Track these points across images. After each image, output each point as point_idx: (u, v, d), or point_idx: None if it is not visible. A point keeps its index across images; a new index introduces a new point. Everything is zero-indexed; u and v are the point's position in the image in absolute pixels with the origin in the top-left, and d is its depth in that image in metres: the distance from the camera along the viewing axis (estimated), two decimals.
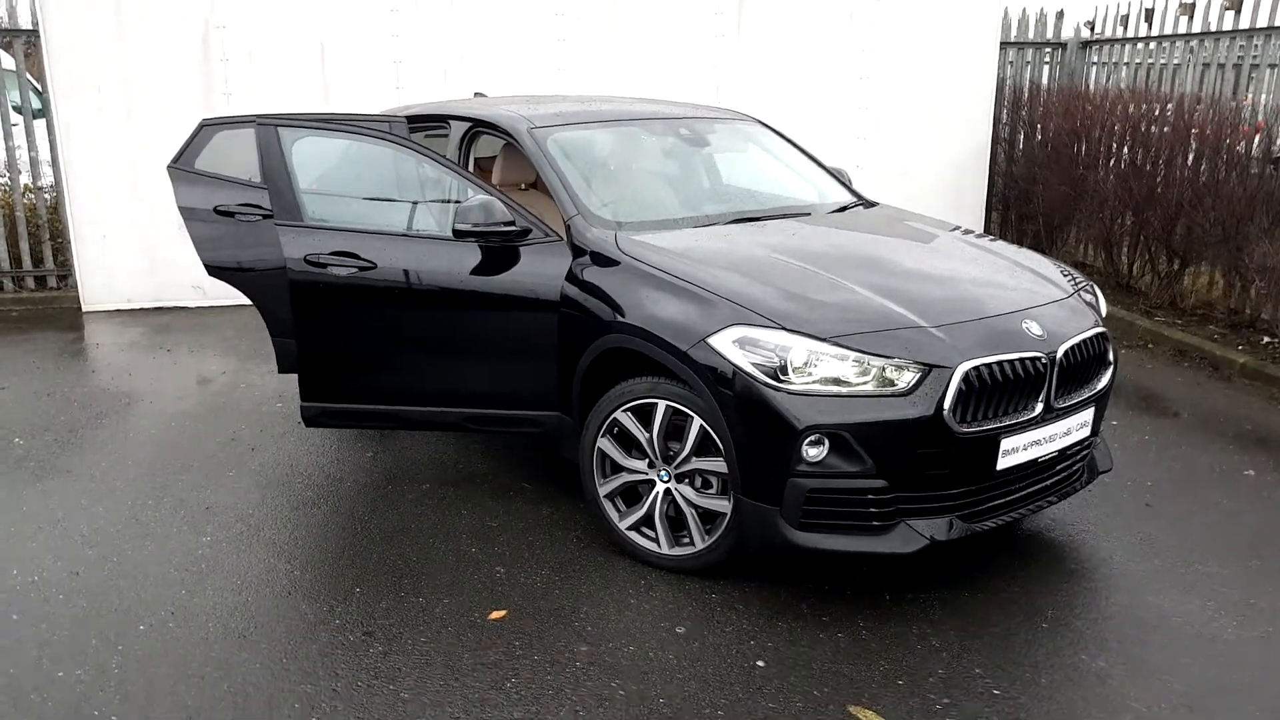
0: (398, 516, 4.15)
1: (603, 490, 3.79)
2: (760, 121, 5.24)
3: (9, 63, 8.10)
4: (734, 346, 3.33)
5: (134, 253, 7.67)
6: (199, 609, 3.46)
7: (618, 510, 3.78)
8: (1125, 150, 7.60)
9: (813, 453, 3.23)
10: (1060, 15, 9.25)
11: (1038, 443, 3.46)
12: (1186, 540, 3.96)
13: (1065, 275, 4.10)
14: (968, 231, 4.53)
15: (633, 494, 3.77)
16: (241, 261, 4.46)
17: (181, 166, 4.61)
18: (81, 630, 3.33)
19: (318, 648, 3.23)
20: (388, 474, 4.58)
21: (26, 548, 3.90)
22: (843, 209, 4.69)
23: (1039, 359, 3.42)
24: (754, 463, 3.33)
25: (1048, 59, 9.16)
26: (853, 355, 3.26)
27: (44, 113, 8.22)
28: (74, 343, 6.87)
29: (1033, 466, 3.50)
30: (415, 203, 4.23)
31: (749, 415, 3.29)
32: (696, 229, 4.12)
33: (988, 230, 9.30)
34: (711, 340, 3.38)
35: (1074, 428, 3.60)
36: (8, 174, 7.90)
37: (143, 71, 7.42)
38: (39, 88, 8.03)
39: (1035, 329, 3.49)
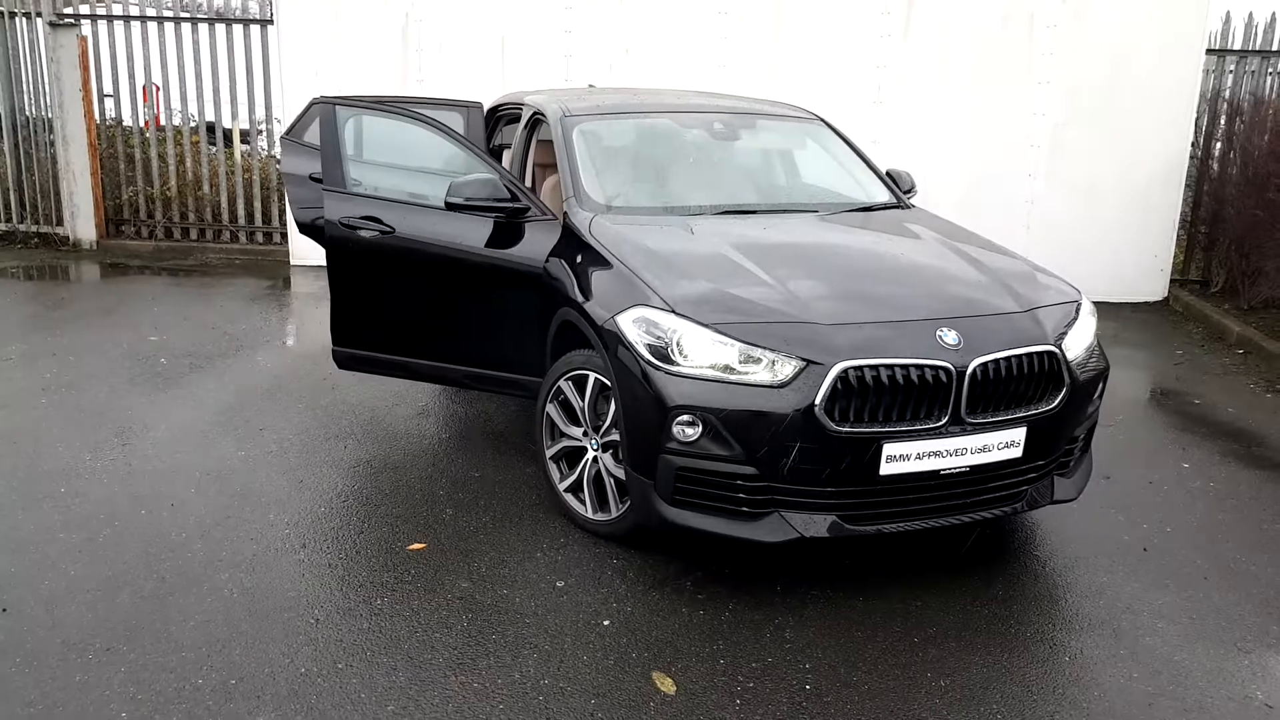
0: (401, 456, 4.65)
1: (549, 452, 4.07)
2: (824, 121, 5.24)
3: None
4: (634, 326, 3.51)
5: None
6: (192, 508, 4.09)
7: (560, 472, 4.05)
8: None
9: (688, 433, 3.34)
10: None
11: (938, 454, 3.36)
12: (1151, 591, 3.64)
13: (1050, 291, 3.86)
14: (988, 244, 4.33)
15: (576, 458, 4.02)
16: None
17: (292, 138, 5.34)
18: (96, 511, 4.03)
19: (253, 551, 3.75)
20: (424, 422, 5.09)
21: (107, 445, 4.73)
22: (862, 209, 4.64)
23: (943, 368, 3.32)
24: (635, 437, 3.49)
25: (1272, 69, 8.20)
26: (738, 345, 3.34)
27: None
28: (265, 289, 7.99)
29: (934, 478, 3.40)
30: (440, 177, 4.68)
31: (634, 391, 3.46)
32: (674, 217, 4.28)
33: (1179, 260, 8.50)
34: (619, 318, 3.57)
35: (994, 445, 3.44)
36: (249, 142, 9.25)
37: (352, 57, 8.46)
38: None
39: (950, 338, 3.38)
